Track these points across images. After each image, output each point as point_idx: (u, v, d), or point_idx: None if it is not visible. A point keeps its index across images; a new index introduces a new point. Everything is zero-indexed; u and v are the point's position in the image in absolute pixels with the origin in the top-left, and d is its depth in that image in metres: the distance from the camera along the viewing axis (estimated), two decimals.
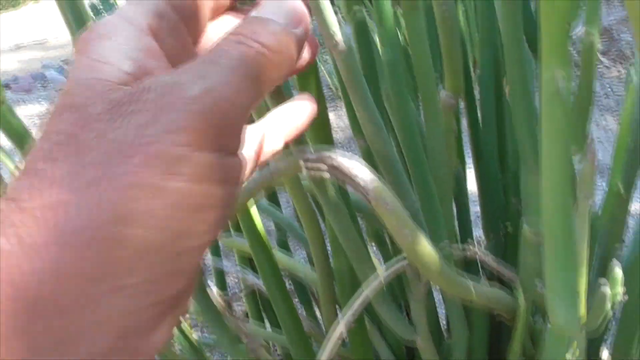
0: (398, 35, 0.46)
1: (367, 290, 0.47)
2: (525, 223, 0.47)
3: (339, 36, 0.27)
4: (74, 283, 0.16)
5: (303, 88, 0.40)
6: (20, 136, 0.47)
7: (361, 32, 0.50)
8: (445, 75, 0.53)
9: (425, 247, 0.42)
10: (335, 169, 0.36)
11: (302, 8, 0.23)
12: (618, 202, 0.56)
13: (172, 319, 0.18)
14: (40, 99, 3.26)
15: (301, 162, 0.36)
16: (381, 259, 0.72)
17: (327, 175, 0.36)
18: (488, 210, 0.68)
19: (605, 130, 2.02)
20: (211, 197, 0.19)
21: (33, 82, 3.53)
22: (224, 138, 0.20)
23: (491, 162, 0.66)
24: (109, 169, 0.17)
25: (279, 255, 0.68)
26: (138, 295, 0.17)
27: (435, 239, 0.52)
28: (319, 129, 0.47)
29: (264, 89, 0.22)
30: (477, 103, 0.63)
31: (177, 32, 0.23)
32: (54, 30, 5.84)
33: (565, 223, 0.36)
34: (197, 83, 0.19)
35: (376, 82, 0.53)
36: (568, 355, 0.47)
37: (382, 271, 0.50)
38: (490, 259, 0.52)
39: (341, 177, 0.37)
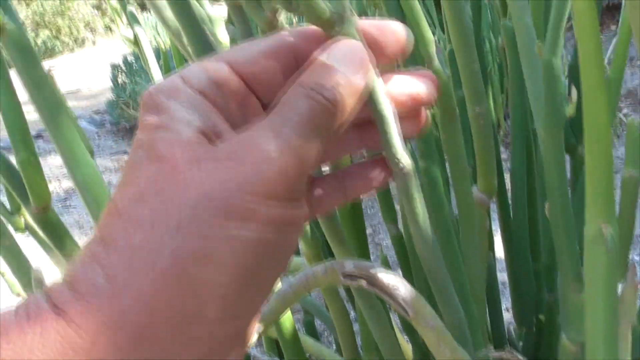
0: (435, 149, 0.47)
1: None
2: (564, 335, 0.47)
3: (405, 160, 0.27)
4: (166, 315, 0.19)
5: None
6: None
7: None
8: (478, 176, 0.54)
9: None
10: (374, 283, 0.36)
11: (364, 53, 0.24)
12: None
13: (240, 348, 0.22)
14: None
15: (340, 275, 0.37)
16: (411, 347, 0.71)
17: (365, 287, 0.37)
18: (520, 302, 0.67)
19: None
20: (277, 244, 0.21)
21: None
22: (293, 192, 0.21)
23: (523, 254, 0.66)
24: (192, 216, 0.19)
25: (306, 340, 0.67)
26: (215, 325, 0.20)
27: (475, 345, 0.52)
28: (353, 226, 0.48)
29: (329, 139, 0.23)
30: (509, 198, 0.64)
31: (239, 95, 0.24)
32: (88, 80, 6.06)
33: (610, 351, 0.35)
34: (272, 143, 0.21)
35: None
36: None
37: None
38: None
39: (380, 292, 0.37)
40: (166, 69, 0.82)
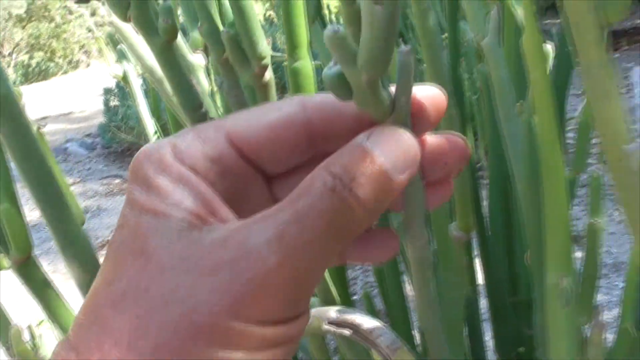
0: None
1: None
2: None
3: (424, 238, 0.27)
4: None
5: None
6: None
7: None
8: (456, 215, 0.56)
9: None
10: (357, 332, 0.38)
11: (418, 150, 0.20)
12: (631, 344, 0.57)
13: None
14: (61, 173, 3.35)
15: (323, 324, 0.38)
16: None
17: (348, 335, 0.38)
18: (501, 336, 0.69)
19: (618, 223, 2.03)
20: None
21: (55, 156, 3.64)
22: (294, 310, 0.19)
23: (502, 288, 0.67)
24: (173, 338, 0.17)
25: None
26: None
27: None
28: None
29: (345, 246, 0.20)
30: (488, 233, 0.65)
31: (238, 172, 0.21)
32: (80, 102, 6.07)
33: None
34: (275, 249, 0.18)
35: None
36: None
37: None
38: None
39: (363, 340, 0.38)
40: (154, 104, 0.84)
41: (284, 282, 0.18)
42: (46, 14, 8.33)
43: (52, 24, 8.48)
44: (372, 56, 0.18)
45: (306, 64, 0.42)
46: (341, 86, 0.20)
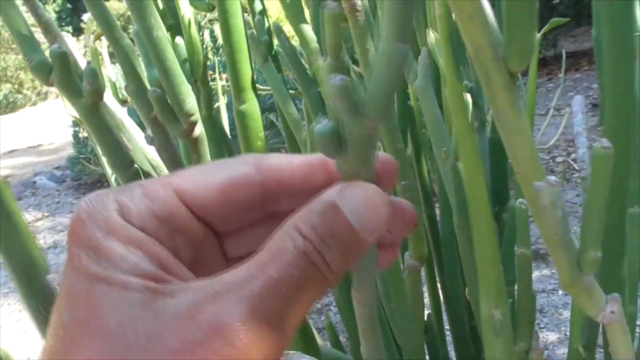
0: None
1: None
2: None
3: (373, 299, 0.28)
4: None
5: None
6: None
7: None
8: (410, 244, 0.58)
9: None
10: None
11: (387, 208, 0.20)
12: None
13: None
14: (29, 207, 3.29)
15: None
16: None
17: None
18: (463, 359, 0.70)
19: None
20: None
21: (24, 190, 3.59)
22: None
23: (460, 314, 0.69)
24: None
25: None
26: None
27: None
28: None
29: (308, 308, 0.19)
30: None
31: (188, 229, 0.20)
32: (49, 134, 5.99)
33: None
34: (248, 324, 0.17)
35: None
36: None
37: None
38: None
39: None
40: None
41: (261, 356, 0.17)
42: (13, 45, 8.25)
43: (20, 55, 8.39)
44: (382, 101, 0.18)
45: (253, 105, 0.43)
46: (333, 142, 0.19)
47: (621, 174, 0.40)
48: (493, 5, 0.23)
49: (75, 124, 3.65)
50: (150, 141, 0.38)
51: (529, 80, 0.49)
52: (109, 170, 0.71)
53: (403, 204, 0.22)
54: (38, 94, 8.72)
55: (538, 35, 0.44)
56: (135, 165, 0.37)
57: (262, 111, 0.47)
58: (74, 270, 0.18)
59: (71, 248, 0.19)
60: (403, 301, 0.56)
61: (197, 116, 0.38)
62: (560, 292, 1.85)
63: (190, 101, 0.37)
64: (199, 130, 0.38)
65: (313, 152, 0.72)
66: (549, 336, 1.60)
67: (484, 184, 0.31)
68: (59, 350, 0.18)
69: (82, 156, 3.54)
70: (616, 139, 0.37)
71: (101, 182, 3.75)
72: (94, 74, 0.34)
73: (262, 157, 0.22)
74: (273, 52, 0.60)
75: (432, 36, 0.41)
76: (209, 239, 0.21)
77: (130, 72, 0.37)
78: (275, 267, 0.18)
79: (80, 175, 3.68)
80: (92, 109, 0.36)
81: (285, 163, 0.22)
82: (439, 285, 0.73)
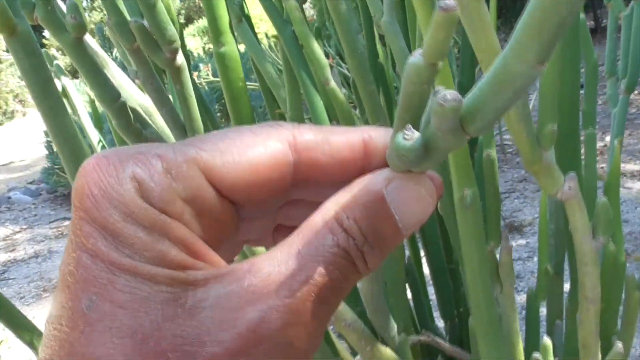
0: None
1: None
2: (471, 318, 0.54)
3: None
4: None
5: None
6: None
7: None
8: None
9: (382, 356, 0.48)
10: None
11: (433, 204, 0.19)
12: (551, 282, 0.64)
13: None
14: (6, 222, 3.25)
15: None
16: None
17: None
18: (441, 298, 0.74)
19: None
20: None
21: None
22: None
23: (438, 254, 0.73)
24: None
25: None
26: None
27: (399, 331, 0.58)
28: None
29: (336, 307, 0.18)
30: None
31: (214, 210, 0.19)
32: (20, 152, 5.90)
33: (489, 305, 0.43)
34: (290, 334, 0.17)
35: None
36: None
37: None
38: (444, 344, 0.58)
39: None
40: (96, 118, 0.86)
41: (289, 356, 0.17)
42: None
43: None
44: (490, 121, 0.16)
45: (232, 48, 0.47)
46: (419, 155, 0.17)
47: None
48: None
49: (47, 134, 3.62)
50: (135, 75, 0.41)
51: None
52: (94, 139, 0.74)
53: (433, 176, 0.20)
54: (4, 114, 8.56)
55: None
56: (122, 99, 0.39)
57: None
58: (87, 253, 0.16)
59: (80, 225, 0.17)
60: None
61: (178, 44, 0.41)
62: (535, 258, 1.92)
63: (171, 29, 0.39)
64: (180, 59, 0.41)
65: (292, 112, 0.74)
66: (524, 297, 1.67)
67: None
68: (77, 341, 0.16)
69: (57, 166, 3.51)
70: None
71: None
72: (76, 9, 0.36)
73: (298, 131, 0.20)
74: (245, 14, 0.63)
75: None
76: (233, 223, 0.20)
77: (111, 6, 0.39)
78: (317, 268, 0.17)
79: (56, 187, 3.64)
80: (77, 43, 0.38)
81: (323, 142, 0.20)
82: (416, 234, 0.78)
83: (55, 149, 2.98)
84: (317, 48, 0.49)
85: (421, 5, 0.36)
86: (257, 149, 0.19)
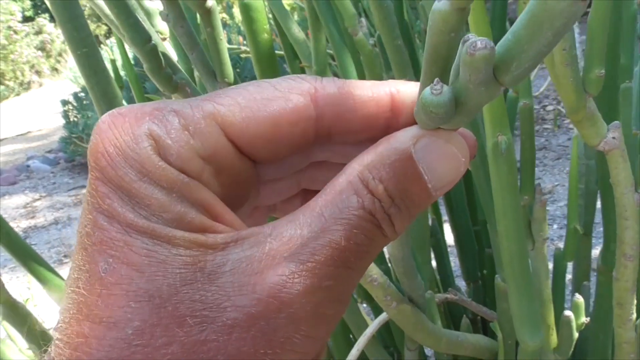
0: None
1: (363, 339, 0.51)
2: (498, 277, 0.53)
3: None
4: None
5: None
6: None
7: None
8: None
9: (408, 313, 0.48)
10: None
11: (465, 163, 0.18)
12: (579, 242, 0.63)
13: None
14: (25, 190, 3.30)
15: None
16: (372, 314, 0.76)
17: None
18: (465, 260, 0.74)
19: None
20: None
21: (18, 174, 3.59)
22: (319, 351, 0.17)
23: (463, 215, 0.72)
24: None
25: None
26: None
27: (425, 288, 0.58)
28: None
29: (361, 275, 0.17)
30: None
31: (232, 167, 0.18)
32: (37, 121, 5.95)
33: (522, 259, 0.42)
34: (311, 301, 0.16)
35: None
36: None
37: (371, 322, 0.55)
38: (470, 302, 0.58)
39: None
40: (116, 77, 0.86)
41: (323, 331, 0.16)
42: None
43: None
44: (529, 69, 0.14)
45: None
46: (448, 111, 0.16)
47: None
48: None
49: (65, 104, 3.63)
50: (165, 17, 0.40)
51: None
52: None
53: (466, 134, 0.18)
54: (21, 84, 8.61)
55: None
56: (153, 42, 0.39)
57: None
58: (103, 214, 0.16)
59: (96, 185, 0.16)
60: None
61: None
62: (555, 226, 1.90)
63: None
64: (211, 1, 0.40)
65: (318, 67, 0.72)
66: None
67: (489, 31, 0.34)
68: (95, 304, 0.16)
69: (74, 135, 3.54)
70: None
71: None
72: None
73: (320, 84, 0.18)
74: None
75: None
76: (252, 181, 0.19)
77: None
78: (340, 231, 0.16)
79: (74, 156, 3.68)
80: None
81: (347, 96, 0.18)
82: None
83: (71, 119, 2.98)
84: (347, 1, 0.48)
85: None
86: (277, 103, 0.18)
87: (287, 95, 0.18)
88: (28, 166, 3.77)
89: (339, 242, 0.16)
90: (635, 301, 0.42)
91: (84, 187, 3.31)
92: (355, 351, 0.50)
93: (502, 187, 0.35)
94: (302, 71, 0.61)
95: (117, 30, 0.44)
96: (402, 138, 0.17)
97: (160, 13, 0.39)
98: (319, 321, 0.16)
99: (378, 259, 0.58)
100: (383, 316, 0.54)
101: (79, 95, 3.67)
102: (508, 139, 0.33)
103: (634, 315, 0.42)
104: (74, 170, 3.66)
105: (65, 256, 2.29)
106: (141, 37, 0.38)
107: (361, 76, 0.56)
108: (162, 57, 0.39)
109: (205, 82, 0.40)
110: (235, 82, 0.57)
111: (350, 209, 0.16)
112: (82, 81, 0.76)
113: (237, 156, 0.18)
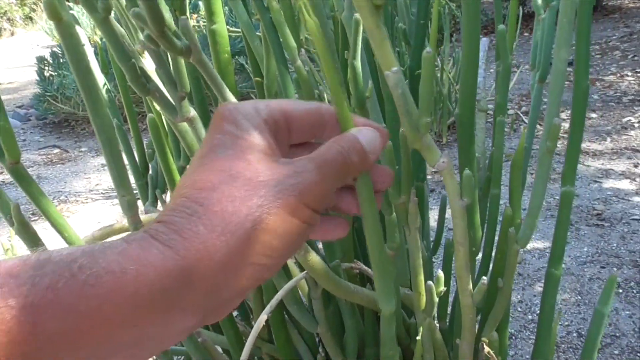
0: None
1: (281, 292, 0.68)
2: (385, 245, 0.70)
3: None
4: (239, 259, 0.29)
5: None
6: None
7: None
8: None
9: (319, 266, 0.64)
10: None
11: (381, 141, 0.36)
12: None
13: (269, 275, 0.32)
14: None
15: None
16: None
17: None
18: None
19: None
20: (303, 234, 0.31)
21: None
22: (320, 206, 0.32)
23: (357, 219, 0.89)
24: (272, 198, 0.29)
25: None
26: (265, 267, 0.30)
27: (330, 259, 0.75)
28: None
29: (342, 183, 0.35)
30: None
31: (283, 131, 0.34)
32: (8, 73, 5.82)
33: (381, 256, 0.58)
34: (316, 173, 0.31)
35: None
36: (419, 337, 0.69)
37: (291, 280, 0.72)
38: (366, 269, 0.75)
39: None
40: (103, 64, 0.98)
41: (321, 190, 0.32)
42: None
43: None
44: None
45: (222, 26, 0.60)
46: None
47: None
48: None
49: (40, 60, 3.61)
50: (143, 45, 0.55)
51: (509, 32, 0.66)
52: (100, 82, 0.87)
53: (385, 169, 0.39)
54: None
55: None
56: (132, 60, 0.53)
57: (233, 55, 0.61)
58: (220, 133, 0.32)
59: (221, 124, 0.32)
60: None
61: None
62: None
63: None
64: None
65: (268, 81, 0.89)
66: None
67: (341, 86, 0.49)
68: (211, 162, 0.31)
69: (48, 94, 3.53)
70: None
71: (68, 121, 3.75)
72: None
73: (325, 105, 0.37)
74: None
75: None
76: (286, 142, 0.35)
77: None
78: (326, 156, 0.33)
79: (46, 114, 3.69)
80: (104, 20, 0.53)
81: (316, 109, 0.36)
82: None
83: (47, 75, 2.99)
84: (288, 34, 0.63)
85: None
86: (308, 104, 0.36)
87: (310, 102, 0.37)
88: None
89: (325, 160, 0.32)
90: (470, 276, 0.59)
91: (55, 147, 3.31)
92: (274, 301, 0.67)
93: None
94: (259, 84, 0.76)
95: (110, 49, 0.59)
96: (354, 130, 0.36)
97: (139, 41, 0.53)
98: (320, 185, 0.32)
99: None
100: (302, 274, 0.70)
101: (57, 52, 3.64)
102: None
103: (470, 286, 0.60)
104: (45, 128, 3.67)
105: (33, 214, 2.33)
106: (125, 56, 0.54)
107: (298, 91, 0.72)
108: (139, 70, 0.55)
109: (168, 91, 0.55)
110: (195, 91, 0.72)
111: (332, 151, 0.33)
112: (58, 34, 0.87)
113: (287, 126, 0.34)
